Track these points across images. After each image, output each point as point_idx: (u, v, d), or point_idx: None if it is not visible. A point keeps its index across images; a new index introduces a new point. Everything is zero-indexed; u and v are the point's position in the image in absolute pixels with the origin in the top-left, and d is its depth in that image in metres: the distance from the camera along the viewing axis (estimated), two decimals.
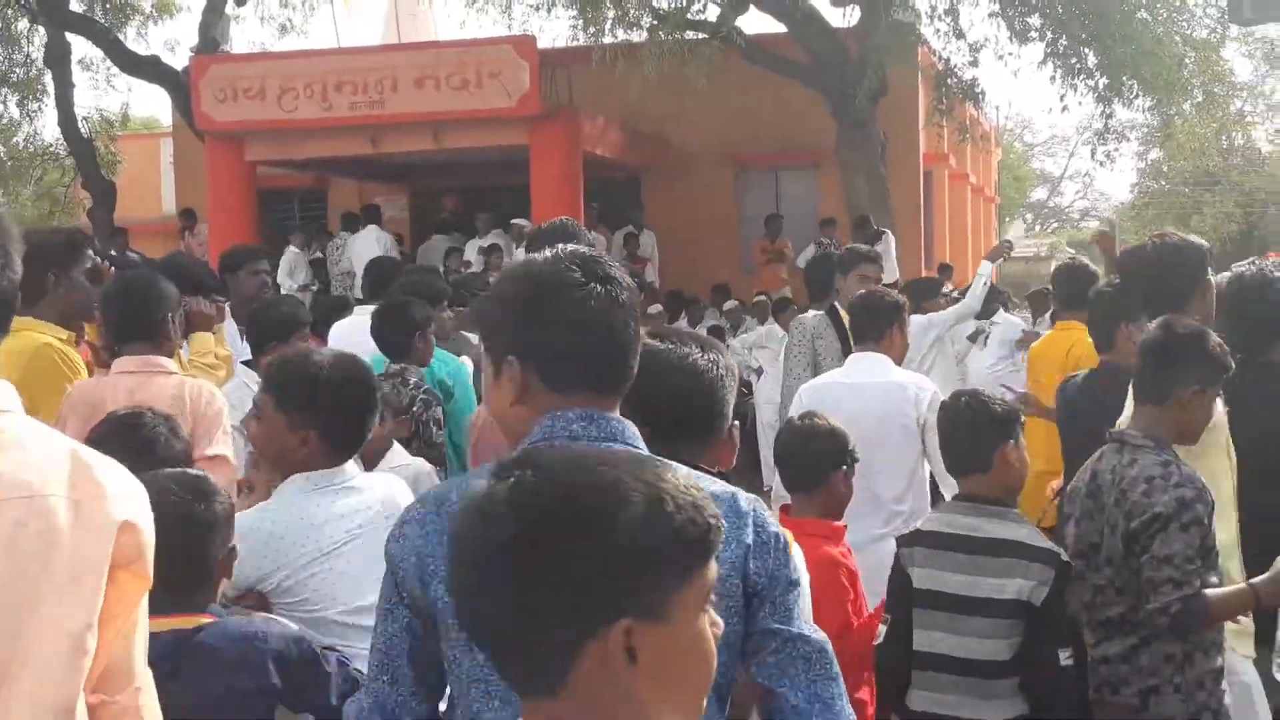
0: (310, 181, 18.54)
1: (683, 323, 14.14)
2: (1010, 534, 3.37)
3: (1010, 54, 15.57)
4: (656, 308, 13.67)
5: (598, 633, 1.33)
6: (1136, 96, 15.53)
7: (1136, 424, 3.38)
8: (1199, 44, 16.17)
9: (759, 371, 11.92)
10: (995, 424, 3.46)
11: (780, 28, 15.56)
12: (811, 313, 6.56)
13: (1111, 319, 4.56)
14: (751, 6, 15.33)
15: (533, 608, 1.34)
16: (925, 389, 4.88)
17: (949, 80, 15.61)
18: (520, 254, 5.84)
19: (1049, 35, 15.19)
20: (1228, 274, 4.20)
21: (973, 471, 3.48)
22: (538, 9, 16.26)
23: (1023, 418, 3.58)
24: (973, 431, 3.47)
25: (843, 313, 6.11)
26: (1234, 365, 3.35)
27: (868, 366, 4.97)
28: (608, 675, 1.34)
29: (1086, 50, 15.12)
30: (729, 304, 14.59)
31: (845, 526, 3.66)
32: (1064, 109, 15.35)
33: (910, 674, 3.46)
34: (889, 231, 14.20)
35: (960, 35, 15.48)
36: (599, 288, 1.93)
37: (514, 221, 14.49)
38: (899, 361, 5.12)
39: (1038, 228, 51.85)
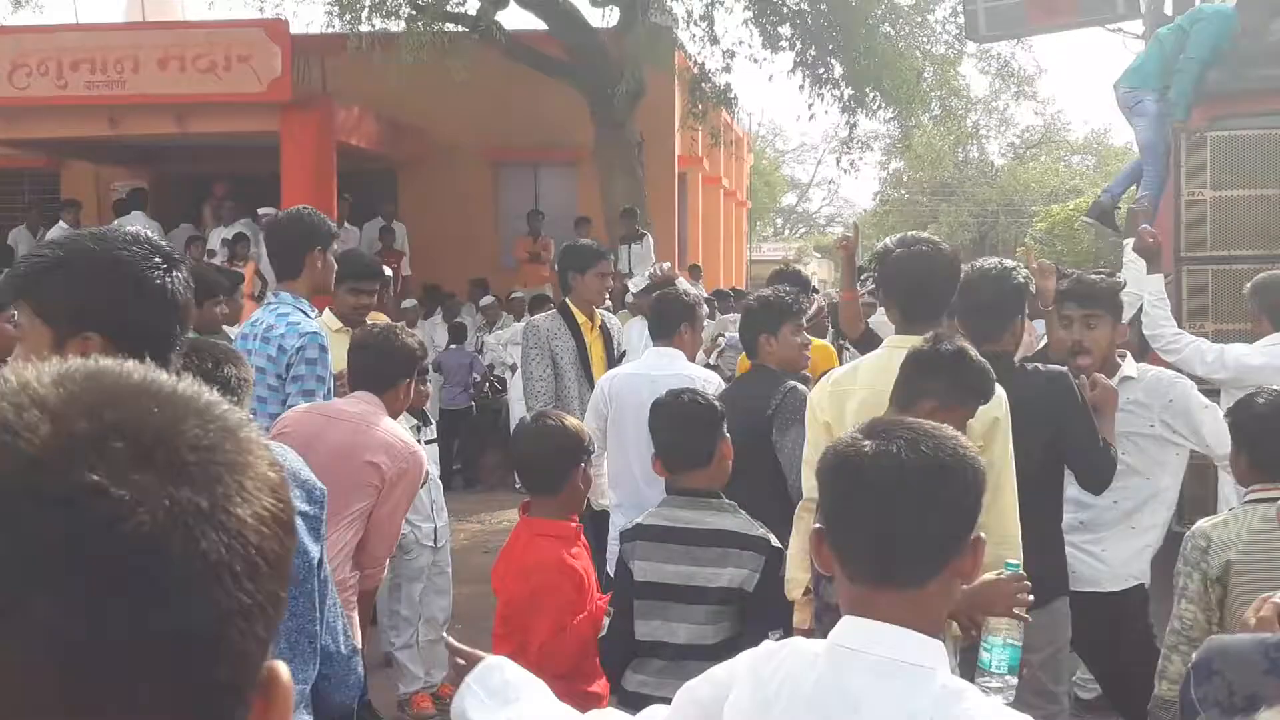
0: (42, 163, 17.52)
1: (438, 317, 14.01)
2: (725, 524, 3.49)
3: (763, 60, 16.03)
4: (411, 302, 13.49)
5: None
6: (879, 108, 16.23)
7: None
8: (938, 59, 17.03)
9: (513, 368, 11.91)
10: (714, 421, 3.59)
11: (541, 25, 15.59)
12: (545, 314, 6.56)
13: (754, 330, 4.90)
14: (512, 2, 15.32)
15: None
16: (711, 381, 5.22)
17: (703, 84, 15.95)
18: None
19: (799, 45, 15.71)
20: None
21: (694, 467, 3.57)
22: None
23: None
24: (696, 428, 3.57)
25: (576, 310, 6.16)
26: (989, 391, 3.38)
27: (665, 360, 5.32)
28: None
29: (833, 61, 15.72)
30: (485, 300, 14.53)
31: (580, 527, 3.70)
32: (811, 117, 16.12)
33: (628, 660, 3.55)
34: (649, 234, 14.42)
35: (715, 41, 15.86)
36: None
37: (260, 210, 14.03)
38: (691, 357, 5.60)
39: (787, 232, 53.68)
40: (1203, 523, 3.47)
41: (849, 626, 1.77)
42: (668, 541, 3.50)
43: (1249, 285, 5.26)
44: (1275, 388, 3.61)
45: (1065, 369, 4.12)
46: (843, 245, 5.85)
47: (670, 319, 5.47)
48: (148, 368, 0.77)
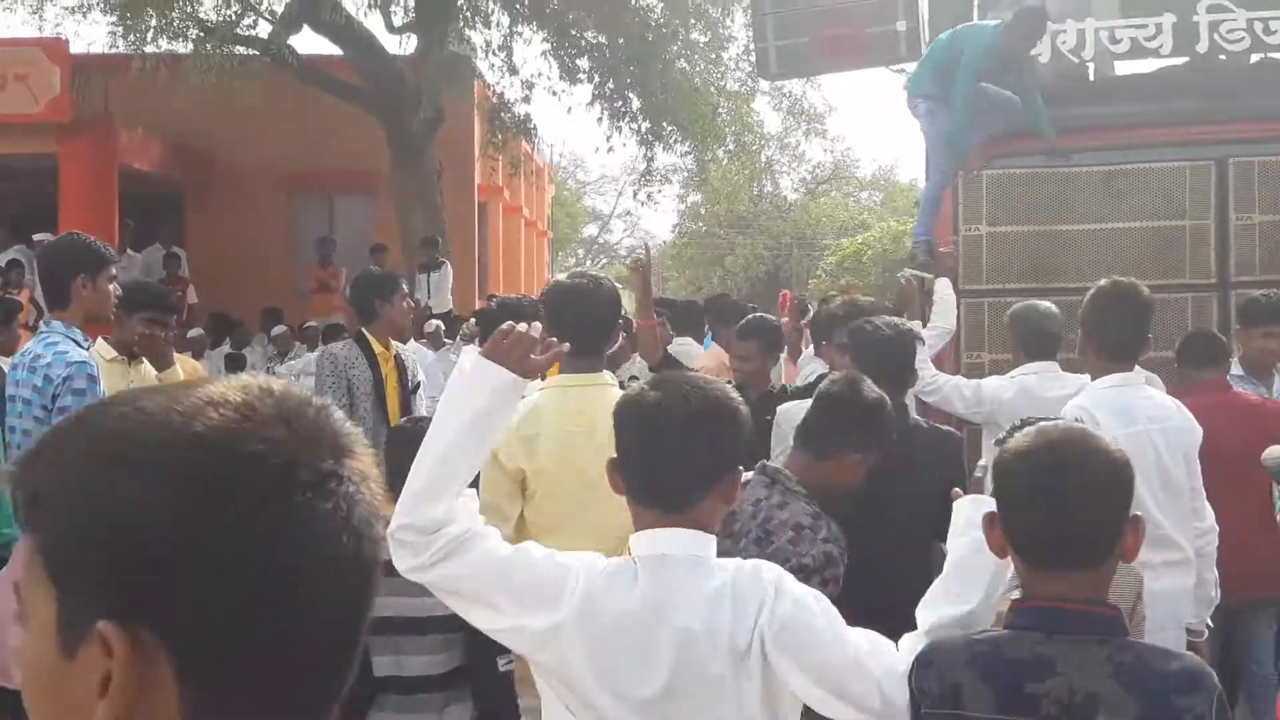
0: None
1: (225, 347, 13.57)
2: None
3: (562, 92, 16.12)
4: (197, 331, 13.03)
5: None
6: (676, 142, 16.51)
7: (792, 467, 3.45)
8: (732, 95, 17.44)
9: None
10: None
11: (336, 50, 15.35)
12: (341, 343, 6.41)
13: None
14: (306, 27, 15.03)
15: None
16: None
17: (503, 114, 15.95)
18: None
19: (597, 78, 15.88)
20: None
21: None
22: (73, 12, 15.21)
23: None
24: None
25: (373, 340, 6.04)
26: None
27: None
28: None
29: (631, 95, 15.93)
30: (278, 329, 14.12)
31: None
32: (610, 150, 16.38)
33: (371, 700, 3.51)
34: (448, 262, 14.31)
35: (514, 71, 15.89)
36: None
37: (35, 236, 13.35)
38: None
39: (589, 263, 54.02)
40: None
41: (648, 539, 2.31)
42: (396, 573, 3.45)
43: (1006, 316, 5.51)
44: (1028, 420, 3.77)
45: (952, 430, 4.38)
46: (635, 266, 5.55)
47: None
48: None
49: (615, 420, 2.42)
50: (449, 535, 2.30)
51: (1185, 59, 7.75)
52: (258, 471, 0.89)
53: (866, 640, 2.32)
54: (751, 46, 12.00)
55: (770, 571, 2.34)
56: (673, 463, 2.34)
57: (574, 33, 15.21)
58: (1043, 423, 2.41)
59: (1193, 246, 6.54)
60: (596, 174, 53.10)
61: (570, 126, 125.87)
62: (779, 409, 4.73)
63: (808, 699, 2.30)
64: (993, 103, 7.11)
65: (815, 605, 2.32)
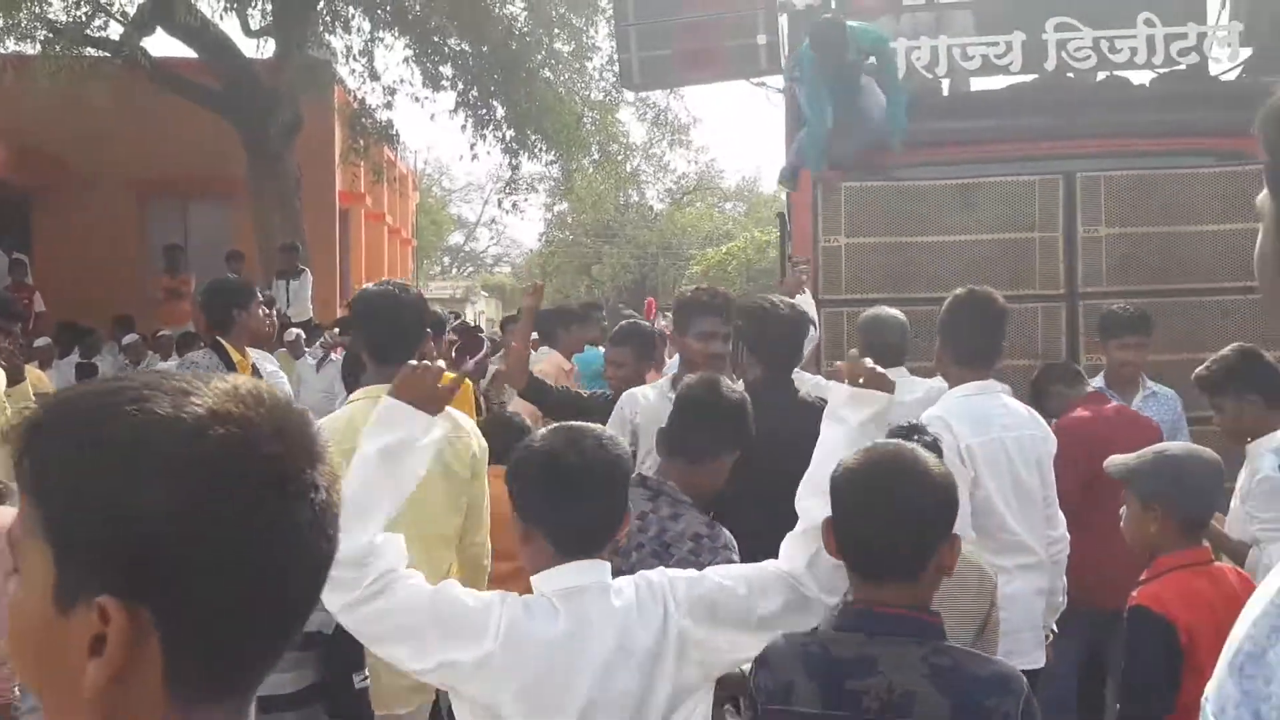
0: None
1: (75, 356, 13.09)
2: None
3: (425, 99, 15.95)
4: (45, 340, 12.54)
5: None
6: (541, 150, 16.47)
7: (670, 476, 3.41)
8: (597, 105, 17.46)
9: None
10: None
11: (191, 53, 14.95)
12: (201, 352, 6.25)
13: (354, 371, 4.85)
14: (159, 29, 14.62)
15: None
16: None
17: (364, 120, 15.72)
18: None
19: (460, 85, 15.76)
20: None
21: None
22: None
23: None
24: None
25: (231, 349, 5.89)
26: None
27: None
28: None
29: (495, 103, 15.84)
30: (129, 338, 13.65)
31: None
32: (474, 158, 16.15)
33: None
34: (308, 270, 14.04)
35: (375, 77, 15.70)
36: None
37: None
38: None
39: (455, 271, 53.60)
40: None
41: (557, 575, 2.44)
42: None
43: (858, 323, 5.60)
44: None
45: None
46: (532, 291, 5.80)
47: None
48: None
49: (521, 472, 2.52)
50: (379, 570, 2.40)
51: (1035, 76, 7.99)
52: (256, 483, 1.00)
53: (753, 568, 2.61)
54: (615, 57, 12.01)
55: (657, 575, 2.54)
56: (589, 518, 2.49)
57: (437, 39, 15.07)
58: (879, 443, 2.65)
59: (1042, 258, 6.72)
60: (462, 181, 52.71)
61: (435, 133, 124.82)
62: (640, 406, 4.67)
63: (755, 636, 2.51)
64: (864, 112, 7.23)
65: (708, 574, 2.58)
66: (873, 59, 7.27)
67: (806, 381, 5.27)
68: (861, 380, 2.79)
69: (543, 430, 2.67)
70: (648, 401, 4.58)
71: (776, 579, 2.55)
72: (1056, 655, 4.47)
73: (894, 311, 5.48)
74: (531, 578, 2.49)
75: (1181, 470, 3.28)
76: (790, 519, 2.69)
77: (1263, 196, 1.19)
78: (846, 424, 2.77)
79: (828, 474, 2.55)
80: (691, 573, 2.59)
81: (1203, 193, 6.52)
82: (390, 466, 2.54)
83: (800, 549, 2.59)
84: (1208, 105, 7.21)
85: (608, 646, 2.40)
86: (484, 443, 4.04)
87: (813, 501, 2.60)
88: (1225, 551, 4.01)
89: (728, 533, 3.29)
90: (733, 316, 4.66)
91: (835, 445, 2.72)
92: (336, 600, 2.39)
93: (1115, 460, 3.47)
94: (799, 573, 2.55)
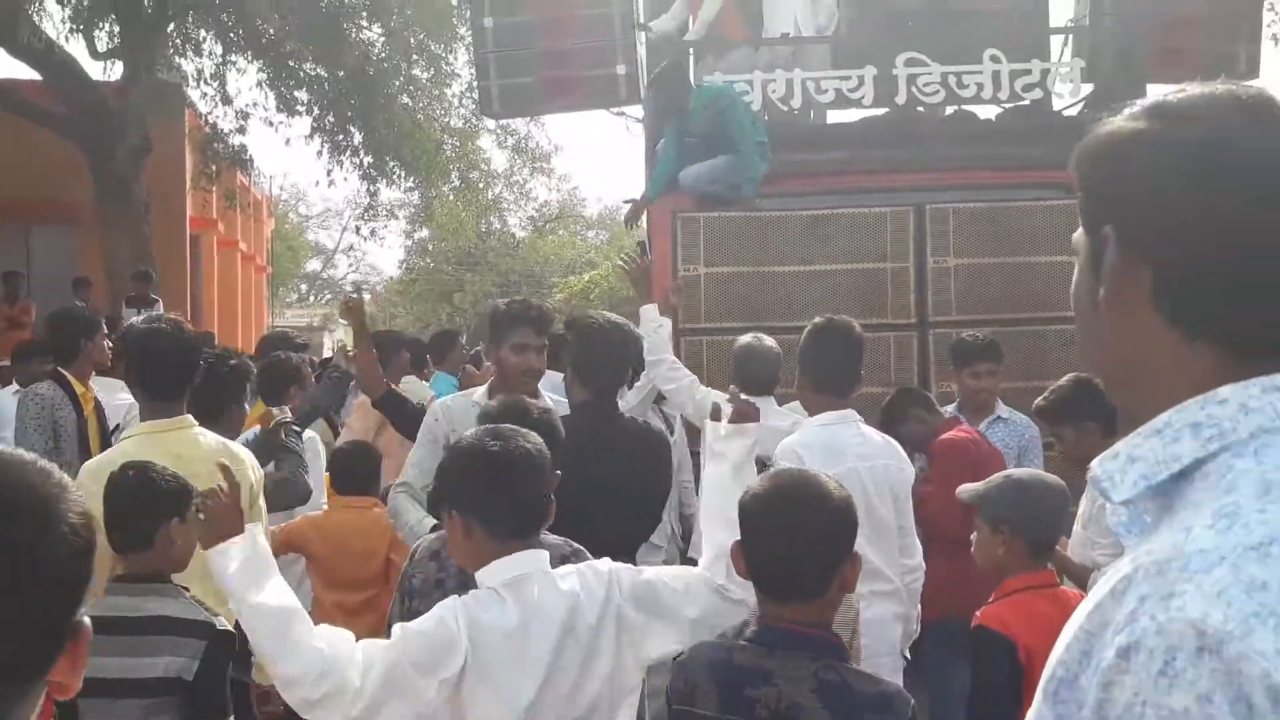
0: None
1: None
2: (165, 610, 3.25)
3: (280, 124, 15.63)
4: None
5: None
6: (400, 177, 16.28)
7: None
8: (457, 132, 17.34)
9: None
10: (162, 500, 3.32)
11: (35, 74, 14.43)
12: (45, 383, 6.01)
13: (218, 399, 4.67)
14: (1, 50, 14.09)
15: None
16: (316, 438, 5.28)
17: (216, 145, 15.36)
18: None
19: (316, 110, 15.50)
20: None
21: (137, 549, 3.30)
22: None
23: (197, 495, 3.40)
24: (137, 508, 3.29)
25: (74, 381, 5.71)
26: None
27: None
28: None
29: (353, 128, 15.62)
30: None
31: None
32: (331, 183, 15.81)
33: None
34: (160, 299, 13.63)
35: (227, 101, 15.34)
36: None
37: None
38: None
39: (312, 299, 52.64)
40: None
41: (501, 567, 2.64)
42: (110, 633, 3.20)
43: (732, 351, 5.61)
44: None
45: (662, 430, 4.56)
46: (346, 304, 5.72)
47: (281, 382, 5.48)
48: None
49: (455, 467, 2.74)
50: (354, 681, 2.50)
51: (886, 110, 8.17)
52: None
53: (685, 569, 2.89)
54: (474, 84, 11.96)
55: (603, 564, 2.81)
56: (522, 501, 2.71)
57: (292, 64, 14.81)
58: (782, 467, 2.96)
59: (894, 288, 6.86)
60: (320, 207, 51.66)
61: (292, 159, 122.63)
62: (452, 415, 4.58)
63: (684, 632, 2.73)
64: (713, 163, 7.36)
65: (647, 569, 2.86)
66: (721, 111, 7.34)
67: (698, 395, 5.25)
68: (732, 410, 2.91)
69: (470, 431, 2.89)
70: (458, 411, 4.46)
71: (704, 580, 2.76)
72: (950, 676, 4.54)
73: (768, 340, 5.48)
74: (476, 573, 2.68)
75: (1027, 495, 3.36)
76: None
77: (1078, 235, 1.22)
78: (727, 459, 2.91)
79: (722, 507, 2.75)
80: (632, 567, 2.83)
81: (1047, 225, 6.72)
82: (271, 603, 2.63)
83: (716, 572, 2.77)
84: (1051, 140, 7.42)
85: (557, 627, 2.62)
86: (260, 473, 4.05)
87: (719, 534, 2.75)
88: (1068, 575, 4.10)
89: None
90: (548, 330, 4.63)
91: (721, 481, 2.88)
92: (338, 717, 2.52)
93: (966, 486, 3.55)
94: (721, 579, 2.74)
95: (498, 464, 2.67)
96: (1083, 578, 4.13)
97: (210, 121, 15.58)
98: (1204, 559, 0.98)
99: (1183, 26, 9.64)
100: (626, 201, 8.09)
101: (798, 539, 2.55)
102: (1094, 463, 1.18)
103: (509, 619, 2.59)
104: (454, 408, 4.53)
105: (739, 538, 2.63)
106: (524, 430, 2.80)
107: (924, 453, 5.13)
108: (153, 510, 3.30)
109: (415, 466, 4.38)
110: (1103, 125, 1.20)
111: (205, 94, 15.39)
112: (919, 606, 4.48)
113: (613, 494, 3.70)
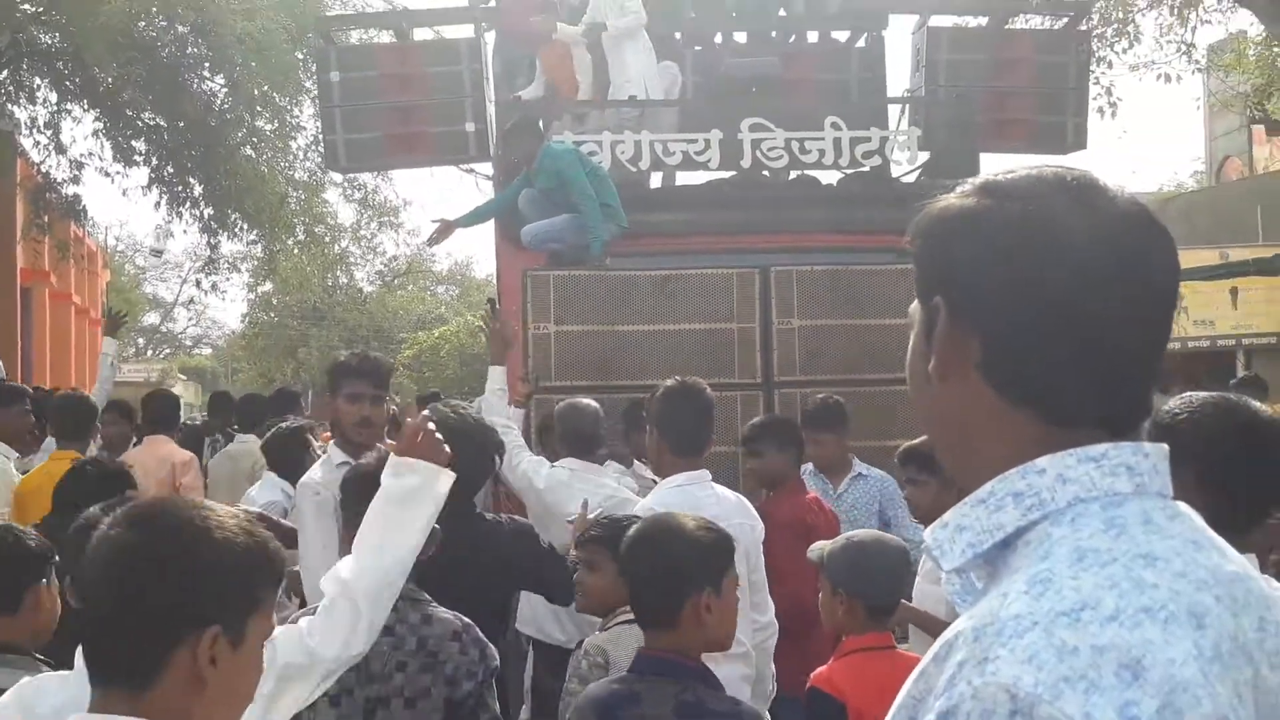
0: None
1: None
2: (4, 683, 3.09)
3: (116, 174, 15.14)
4: None
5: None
6: (242, 229, 15.92)
7: None
8: (302, 185, 17.04)
9: None
10: (28, 561, 3.15)
11: None
12: None
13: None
14: None
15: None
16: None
17: (49, 194, 14.84)
18: None
19: (155, 161, 15.08)
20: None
21: (3, 613, 3.14)
22: None
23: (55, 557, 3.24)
24: (3, 568, 3.13)
25: None
26: None
27: None
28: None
29: (193, 180, 15.23)
30: None
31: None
32: (169, 236, 15.30)
33: None
34: None
35: (61, 150, 14.83)
36: None
37: None
38: None
39: (150, 353, 51.04)
40: (596, 638, 3.59)
41: None
42: None
43: (555, 412, 5.64)
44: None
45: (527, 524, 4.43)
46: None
47: (84, 421, 5.73)
48: None
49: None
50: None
51: (732, 173, 8.33)
52: None
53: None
54: (321, 138, 11.80)
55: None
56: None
57: (130, 113, 14.40)
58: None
59: (740, 348, 6.94)
60: (158, 260, 50.28)
61: (129, 209, 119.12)
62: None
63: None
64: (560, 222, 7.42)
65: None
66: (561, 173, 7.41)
67: (517, 462, 5.24)
68: (419, 440, 2.82)
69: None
70: (329, 476, 4.33)
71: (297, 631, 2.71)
72: None
73: (589, 401, 5.57)
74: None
75: (864, 558, 3.41)
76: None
77: (914, 304, 1.25)
78: (384, 491, 2.76)
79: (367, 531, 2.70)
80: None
81: (885, 288, 6.89)
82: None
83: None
84: (890, 205, 7.68)
85: None
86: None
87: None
88: (921, 628, 4.17)
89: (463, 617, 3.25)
90: (386, 382, 4.66)
91: (372, 511, 2.74)
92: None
93: (815, 546, 3.59)
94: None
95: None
96: (937, 630, 4.20)
97: (43, 171, 15.04)
98: (1018, 624, 1.01)
99: (1013, 98, 10.09)
100: (434, 221, 8.08)
101: (645, 571, 2.95)
102: (926, 531, 1.21)
103: None
104: (323, 480, 4.37)
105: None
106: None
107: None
108: (22, 572, 3.11)
109: (325, 549, 4.08)
110: (936, 200, 1.23)
111: (38, 142, 14.88)
112: (773, 665, 4.50)
113: (456, 593, 3.58)
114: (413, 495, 2.75)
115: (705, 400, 4.48)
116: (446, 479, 2.82)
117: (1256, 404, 2.47)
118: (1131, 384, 1.16)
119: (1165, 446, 1.15)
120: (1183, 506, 1.14)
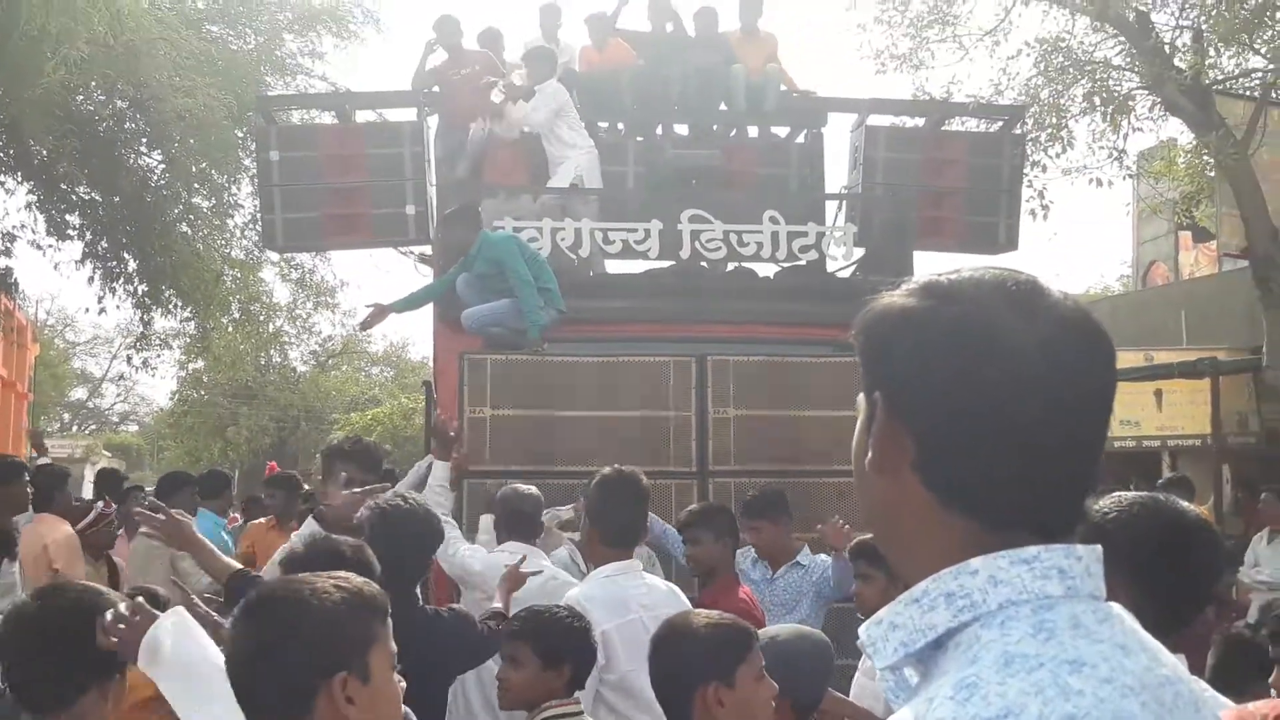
0: None
1: None
2: None
3: (49, 248, 14.91)
4: None
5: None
6: (176, 306, 15.72)
7: None
8: (238, 263, 16.88)
9: None
10: None
11: None
12: None
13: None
14: None
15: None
16: None
17: None
18: None
19: (89, 235, 14.89)
20: None
21: None
22: None
23: None
24: None
25: None
26: None
27: None
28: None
29: (127, 255, 15.05)
30: None
31: None
32: (102, 311, 15.03)
33: None
34: None
35: None
36: None
37: None
38: None
39: (75, 428, 50.05)
40: None
41: None
42: None
43: (495, 496, 5.68)
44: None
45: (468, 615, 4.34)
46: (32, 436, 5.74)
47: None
48: None
49: None
50: None
51: (671, 262, 8.40)
52: None
53: None
54: (259, 216, 11.75)
55: None
56: None
57: (64, 186, 14.25)
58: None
59: (676, 436, 6.95)
60: (89, 334, 49.54)
61: (60, 283, 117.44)
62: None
63: None
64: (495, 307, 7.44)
65: None
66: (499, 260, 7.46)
67: (453, 552, 5.24)
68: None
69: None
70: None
71: None
72: None
73: (529, 486, 5.60)
74: None
75: (785, 656, 3.39)
76: None
77: (860, 397, 1.26)
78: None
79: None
80: None
81: (820, 380, 6.95)
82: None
83: None
84: (825, 299, 7.77)
85: None
86: None
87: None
88: None
89: None
90: (378, 465, 4.73)
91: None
92: None
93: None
94: None
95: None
96: None
97: None
98: None
99: (947, 198, 10.30)
100: (368, 306, 7.98)
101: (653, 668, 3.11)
102: (861, 628, 1.20)
103: None
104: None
105: None
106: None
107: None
108: None
109: None
110: (880, 296, 1.24)
111: None
112: None
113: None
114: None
115: (640, 490, 4.46)
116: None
117: (1184, 504, 2.49)
118: (1065, 489, 1.16)
119: (1099, 548, 1.15)
120: (1115, 608, 1.14)
